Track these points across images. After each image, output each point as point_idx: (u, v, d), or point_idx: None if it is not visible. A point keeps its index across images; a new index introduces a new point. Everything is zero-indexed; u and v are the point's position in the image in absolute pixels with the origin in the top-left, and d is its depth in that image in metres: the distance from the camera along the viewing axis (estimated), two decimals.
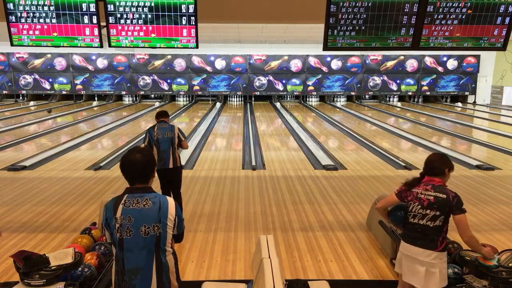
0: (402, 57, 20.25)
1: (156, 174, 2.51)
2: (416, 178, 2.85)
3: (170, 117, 5.39)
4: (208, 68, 20.33)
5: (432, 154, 2.91)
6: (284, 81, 20.53)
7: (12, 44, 5.38)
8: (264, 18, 6.14)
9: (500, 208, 5.64)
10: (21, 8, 5.18)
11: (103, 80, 20.33)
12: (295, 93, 20.78)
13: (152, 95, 21.08)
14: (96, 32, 5.29)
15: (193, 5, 5.19)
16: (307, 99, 21.12)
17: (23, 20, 5.24)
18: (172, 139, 4.99)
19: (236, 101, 21.01)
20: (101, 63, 20.16)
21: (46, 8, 5.18)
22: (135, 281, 2.12)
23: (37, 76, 20.18)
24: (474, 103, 20.37)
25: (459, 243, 3.39)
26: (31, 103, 19.96)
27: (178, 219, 2.22)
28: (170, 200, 2.21)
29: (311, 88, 20.64)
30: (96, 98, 20.96)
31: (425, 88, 20.64)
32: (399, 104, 20.41)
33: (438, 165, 2.79)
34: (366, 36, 4.94)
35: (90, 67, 20.17)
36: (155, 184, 3.20)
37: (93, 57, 20.06)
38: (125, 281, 2.13)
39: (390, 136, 11.49)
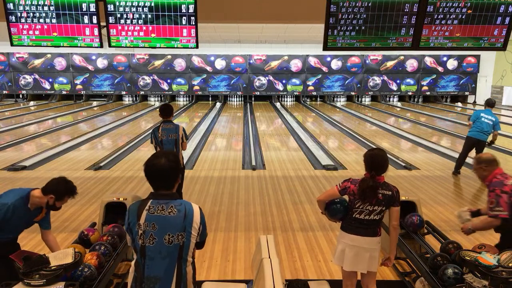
0: (402, 57, 20.23)
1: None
2: (369, 178, 2.79)
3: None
4: (208, 68, 20.32)
5: (377, 153, 2.86)
6: (284, 81, 20.51)
7: (12, 44, 5.38)
8: (264, 18, 6.15)
9: None
10: (21, 8, 5.19)
11: (103, 80, 20.31)
12: (295, 93, 20.77)
13: (152, 95, 21.08)
14: (96, 32, 5.30)
15: (193, 5, 5.19)
16: (307, 99, 21.13)
17: (23, 20, 5.25)
18: (176, 141, 4.95)
19: (236, 101, 21.01)
20: (101, 63, 20.14)
21: (46, 8, 5.18)
22: None
23: (37, 76, 20.17)
24: (474, 103, 20.36)
25: (459, 243, 3.40)
26: (31, 103, 19.95)
27: (203, 227, 2.15)
28: (196, 208, 2.14)
29: (311, 88, 20.64)
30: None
31: (425, 88, 20.63)
32: (399, 104, 20.40)
33: (387, 164, 2.84)
34: (366, 36, 4.94)
35: (90, 67, 20.16)
36: None
37: (93, 57, 20.04)
38: None
39: (390, 136, 11.49)
